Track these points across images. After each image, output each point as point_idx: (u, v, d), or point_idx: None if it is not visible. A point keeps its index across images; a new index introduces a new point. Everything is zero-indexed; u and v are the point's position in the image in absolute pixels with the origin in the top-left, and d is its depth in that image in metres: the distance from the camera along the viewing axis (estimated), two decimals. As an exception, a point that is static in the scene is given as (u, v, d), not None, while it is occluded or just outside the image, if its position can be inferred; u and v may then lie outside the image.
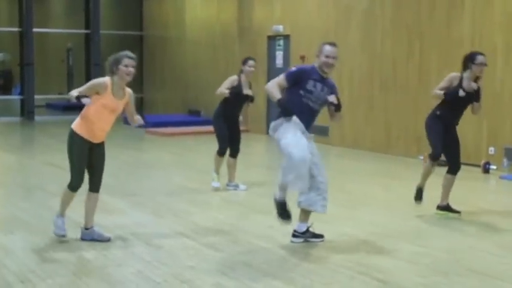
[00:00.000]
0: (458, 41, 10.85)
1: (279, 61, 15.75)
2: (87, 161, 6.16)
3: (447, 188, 7.60)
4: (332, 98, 6.13)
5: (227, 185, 9.07)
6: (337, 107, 6.19)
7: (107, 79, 6.07)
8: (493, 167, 10.60)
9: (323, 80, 6.19)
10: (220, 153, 8.97)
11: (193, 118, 18.26)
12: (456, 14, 11.38)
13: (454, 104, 7.36)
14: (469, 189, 9.19)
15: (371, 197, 8.70)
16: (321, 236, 6.35)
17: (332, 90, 6.23)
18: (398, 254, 5.97)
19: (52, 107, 24.21)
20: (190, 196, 8.65)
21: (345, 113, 13.24)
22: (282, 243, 6.28)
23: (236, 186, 9.06)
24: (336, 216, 7.24)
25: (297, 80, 6.10)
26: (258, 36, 16.43)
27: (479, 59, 7.35)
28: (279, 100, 5.96)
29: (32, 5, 20.52)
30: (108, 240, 6.25)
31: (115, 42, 22.15)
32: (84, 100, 5.89)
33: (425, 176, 7.63)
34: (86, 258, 5.80)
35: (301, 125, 6.06)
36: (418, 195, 7.67)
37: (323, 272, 5.46)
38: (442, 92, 7.35)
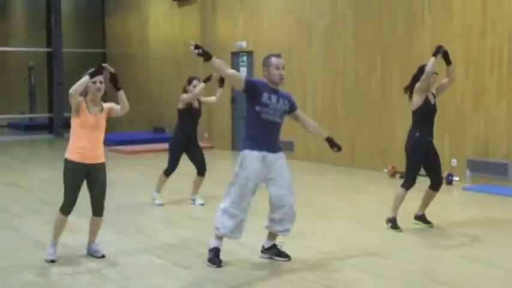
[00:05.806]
0: (419, 54, 11.00)
1: (243, 77, 15.77)
2: (80, 186, 6.16)
3: (425, 201, 7.74)
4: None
5: (188, 198, 9.16)
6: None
7: (80, 99, 6.11)
8: (455, 178, 10.74)
9: (276, 92, 6.02)
10: (167, 174, 8.98)
11: (158, 135, 18.18)
12: (416, 28, 11.56)
13: (426, 117, 7.45)
14: (433, 201, 9.27)
15: (336, 211, 8.75)
16: (286, 256, 6.24)
17: (289, 99, 6.11)
18: (364, 267, 6.01)
19: (14, 126, 23.94)
20: (156, 214, 8.61)
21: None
22: (249, 259, 6.28)
23: (193, 201, 9.10)
24: (302, 230, 7.26)
25: (253, 89, 5.87)
26: (221, 53, 16.43)
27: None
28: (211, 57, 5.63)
29: (-8, 23, 20.35)
30: (101, 257, 6.31)
31: (78, 60, 22.02)
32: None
33: (397, 204, 7.49)
34: (52, 279, 5.74)
35: (257, 165, 5.87)
36: (394, 226, 7.44)
37: (290, 287, 5.48)
38: (433, 59, 7.28)
